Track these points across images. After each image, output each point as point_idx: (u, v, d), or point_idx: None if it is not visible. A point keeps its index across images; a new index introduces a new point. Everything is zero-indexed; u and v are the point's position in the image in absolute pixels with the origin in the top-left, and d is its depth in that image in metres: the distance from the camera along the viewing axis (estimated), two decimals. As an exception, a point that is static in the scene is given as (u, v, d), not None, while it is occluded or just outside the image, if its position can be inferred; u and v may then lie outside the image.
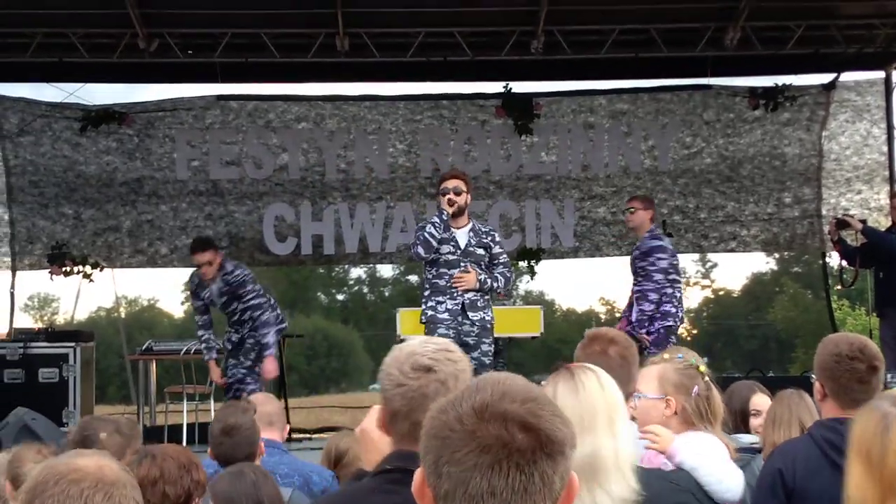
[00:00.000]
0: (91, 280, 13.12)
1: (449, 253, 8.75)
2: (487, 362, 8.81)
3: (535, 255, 13.31)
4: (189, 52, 12.54)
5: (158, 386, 12.35)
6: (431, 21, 12.24)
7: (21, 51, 12.26)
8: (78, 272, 13.01)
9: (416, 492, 1.94)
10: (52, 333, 12.16)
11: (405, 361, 2.92)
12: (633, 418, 3.87)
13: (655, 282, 9.90)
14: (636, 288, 10.07)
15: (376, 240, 13.23)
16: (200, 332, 10.55)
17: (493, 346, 9.00)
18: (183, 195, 13.20)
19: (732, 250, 13.79)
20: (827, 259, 14.46)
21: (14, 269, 13.13)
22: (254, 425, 5.10)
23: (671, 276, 10.04)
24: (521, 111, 13.15)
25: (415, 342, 3.01)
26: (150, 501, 3.66)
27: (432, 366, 2.89)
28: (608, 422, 3.12)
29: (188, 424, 11.04)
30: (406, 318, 10.65)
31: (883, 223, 12.20)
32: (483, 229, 9.00)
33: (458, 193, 8.72)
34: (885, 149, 13.51)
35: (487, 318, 8.83)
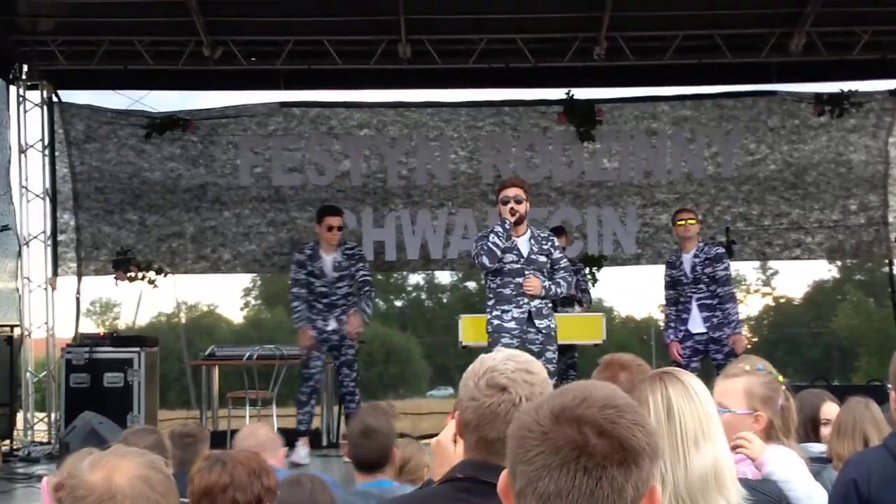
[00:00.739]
0: (155, 286, 13.22)
1: (512, 262, 8.75)
2: (552, 369, 8.79)
3: (597, 261, 13.25)
4: (252, 59, 12.63)
5: (220, 391, 12.43)
6: (493, 28, 12.24)
7: (87, 58, 12.41)
8: (142, 278, 13.12)
9: (501, 490, 1.95)
10: (118, 339, 12.28)
11: (483, 376, 2.91)
12: None
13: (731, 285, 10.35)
14: (722, 291, 10.32)
15: (437, 246, 13.24)
16: (295, 304, 10.69)
17: (556, 353, 8.99)
18: (246, 201, 13.27)
19: (797, 258, 13.64)
20: (893, 266, 14.24)
21: (80, 275, 13.25)
22: (391, 429, 5.09)
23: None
24: (583, 118, 13.10)
25: (499, 356, 2.98)
26: None
27: (507, 386, 2.87)
28: (719, 429, 3.09)
29: (251, 430, 11.06)
30: (468, 325, 10.61)
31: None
32: (542, 235, 9.01)
33: (518, 202, 8.71)
34: (952, 155, 13.33)
35: (552, 325, 8.86)
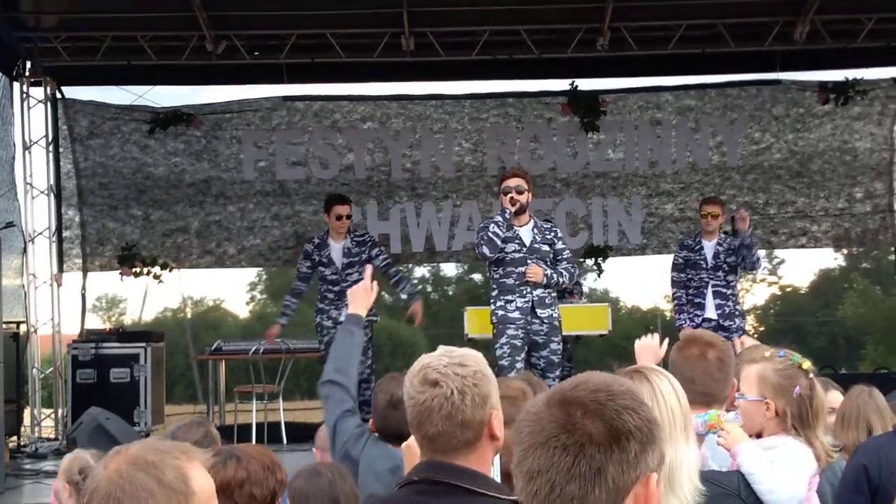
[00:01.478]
0: (160, 281, 13.22)
1: (515, 251, 8.76)
2: (556, 360, 8.81)
3: (602, 252, 13.23)
4: (255, 53, 12.62)
5: (226, 385, 12.44)
6: (497, 19, 12.22)
7: (91, 54, 12.41)
8: (148, 273, 13.12)
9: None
10: (124, 334, 12.30)
11: (417, 374, 2.99)
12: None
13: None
14: (731, 279, 10.55)
15: (443, 239, 13.23)
16: (287, 298, 10.88)
17: (561, 344, 8.98)
18: (250, 196, 13.26)
19: (803, 246, 13.61)
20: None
21: (85, 271, 13.26)
22: None
23: None
24: (587, 108, 13.07)
25: (435, 354, 3.05)
26: (236, 503, 3.66)
27: (439, 380, 2.94)
28: (684, 430, 3.07)
29: (257, 424, 11.09)
30: (473, 317, 10.61)
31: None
32: (545, 225, 9.05)
33: (520, 192, 8.73)
34: (957, 142, 13.30)
35: (555, 315, 8.87)
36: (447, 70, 13.07)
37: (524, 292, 8.72)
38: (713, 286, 10.54)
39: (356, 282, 10.48)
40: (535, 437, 1.88)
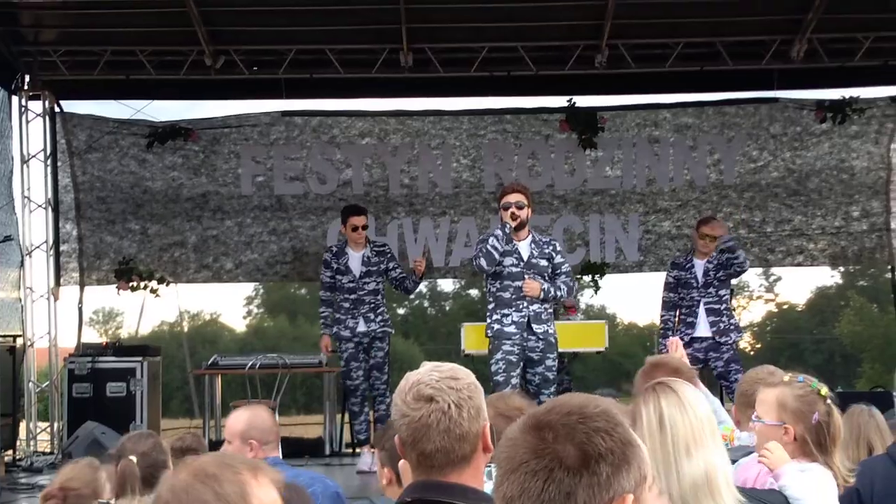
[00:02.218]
0: (157, 295, 13.22)
1: (512, 265, 8.77)
2: (551, 377, 8.82)
3: (599, 269, 13.23)
4: (254, 68, 12.63)
5: (222, 400, 12.42)
6: (495, 36, 12.24)
7: (89, 68, 12.41)
8: (145, 287, 13.11)
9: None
10: (120, 348, 12.29)
11: (409, 391, 2.94)
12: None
13: None
14: (723, 293, 10.58)
15: (440, 255, 13.23)
16: (321, 309, 10.89)
17: (556, 360, 8.98)
18: (248, 210, 13.27)
19: (799, 264, 13.61)
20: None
21: (82, 285, 13.25)
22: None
23: None
24: (585, 125, 13.09)
25: (423, 370, 3.01)
26: None
27: (433, 395, 2.90)
28: (712, 436, 3.08)
29: (254, 439, 11.05)
30: (470, 333, 10.64)
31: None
32: (544, 240, 9.08)
33: (520, 207, 8.76)
34: (955, 161, 13.32)
35: (551, 331, 8.88)
36: (445, 86, 13.08)
37: (520, 307, 8.73)
38: (705, 303, 10.52)
39: (374, 291, 10.63)
40: (510, 463, 1.88)
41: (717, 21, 12.01)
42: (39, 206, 12.86)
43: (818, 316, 38.35)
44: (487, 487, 2.91)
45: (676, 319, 10.71)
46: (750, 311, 37.61)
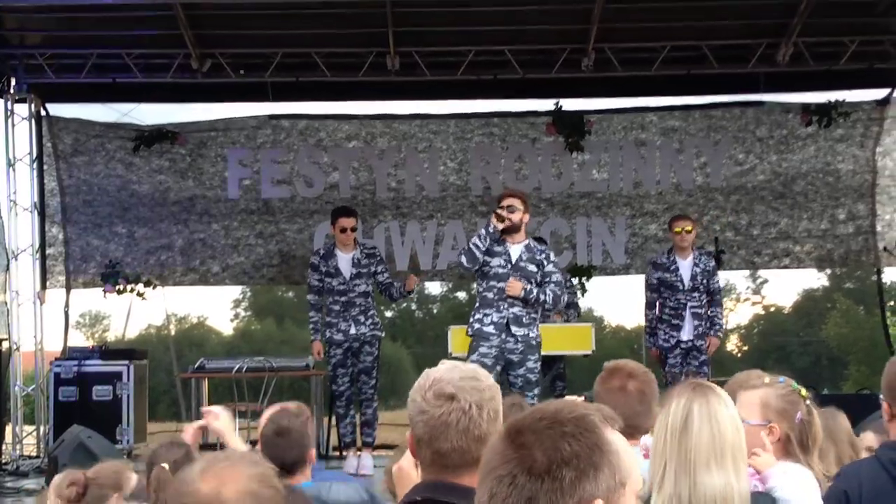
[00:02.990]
0: (144, 298, 13.20)
1: (500, 266, 8.79)
2: (534, 379, 8.83)
3: (586, 272, 13.26)
4: (241, 71, 12.61)
5: (209, 403, 12.39)
6: (482, 39, 12.24)
7: (75, 71, 12.39)
8: (131, 290, 13.10)
9: None
10: (106, 352, 12.27)
11: (429, 388, 2.90)
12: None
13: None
14: (716, 299, 10.75)
15: (427, 258, 13.25)
16: (310, 314, 10.81)
17: (539, 363, 8.97)
18: (234, 214, 13.27)
19: (786, 267, 13.66)
20: (882, 275, 14.28)
21: (68, 288, 13.23)
22: (306, 430, 5.01)
23: None
24: (572, 128, 13.13)
25: (443, 368, 2.98)
26: None
27: (455, 394, 2.87)
28: (735, 459, 3.07)
29: (240, 442, 11.04)
30: (457, 336, 10.63)
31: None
32: (539, 247, 9.08)
33: (512, 211, 8.75)
34: (940, 164, 13.37)
35: (532, 335, 8.86)
36: (432, 89, 13.10)
37: (501, 308, 8.75)
38: (691, 307, 10.59)
39: (364, 293, 10.57)
40: (484, 469, 1.89)
41: (704, 25, 12.02)
42: (25, 209, 12.82)
43: (805, 318, 38.42)
44: None
45: (658, 322, 10.77)
46: (737, 313, 37.67)
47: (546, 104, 13.26)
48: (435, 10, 11.82)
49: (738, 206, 13.35)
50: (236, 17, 11.87)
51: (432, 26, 12.12)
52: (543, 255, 8.96)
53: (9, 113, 12.71)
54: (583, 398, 4.75)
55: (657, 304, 10.81)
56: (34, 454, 12.25)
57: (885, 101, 13.31)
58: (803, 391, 3.94)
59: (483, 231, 8.80)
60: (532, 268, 8.85)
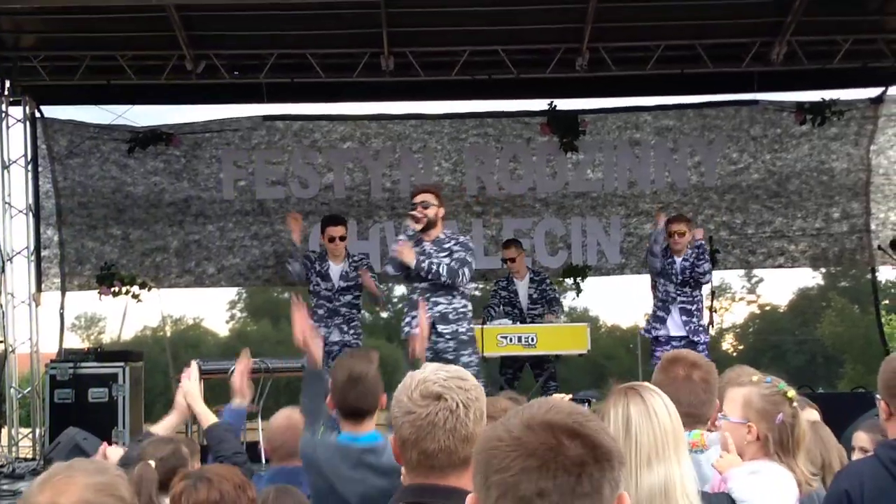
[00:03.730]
0: (139, 300, 13.20)
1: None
2: (474, 374, 8.68)
3: (581, 272, 13.27)
4: (235, 72, 12.62)
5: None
6: (476, 39, 12.25)
7: (70, 73, 12.38)
8: (126, 292, 13.09)
9: None
10: (102, 353, 12.23)
11: (415, 389, 2.90)
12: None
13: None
14: (696, 294, 10.76)
15: (422, 258, 13.23)
16: (291, 262, 11.08)
17: (474, 356, 8.86)
18: (229, 215, 13.27)
19: (780, 266, 13.67)
20: (876, 274, 14.30)
21: (63, 290, 13.22)
22: (379, 376, 4.93)
23: None
24: (566, 128, 13.14)
25: (428, 369, 2.98)
26: None
27: (442, 393, 2.87)
28: (675, 448, 3.09)
29: (236, 443, 11.03)
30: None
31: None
32: (451, 236, 8.92)
33: (426, 207, 8.67)
34: (934, 162, 13.39)
35: (462, 330, 8.73)
36: (426, 90, 13.09)
37: (426, 308, 8.69)
38: (679, 302, 10.63)
39: (349, 304, 10.49)
40: (529, 462, 1.86)
41: (698, 24, 12.04)
42: (20, 211, 12.81)
43: (800, 317, 38.47)
44: None
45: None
46: (732, 312, 37.70)
47: (540, 104, 13.29)
48: (429, 10, 11.83)
49: (732, 206, 13.36)
50: (230, 18, 11.87)
51: (426, 27, 12.12)
52: (452, 242, 8.78)
53: (3, 115, 12.69)
54: (569, 397, 4.77)
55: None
56: (30, 456, 12.24)
57: (878, 100, 13.33)
58: (790, 392, 3.94)
59: (402, 237, 8.76)
60: (445, 259, 8.71)
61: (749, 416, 3.89)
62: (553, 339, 10.75)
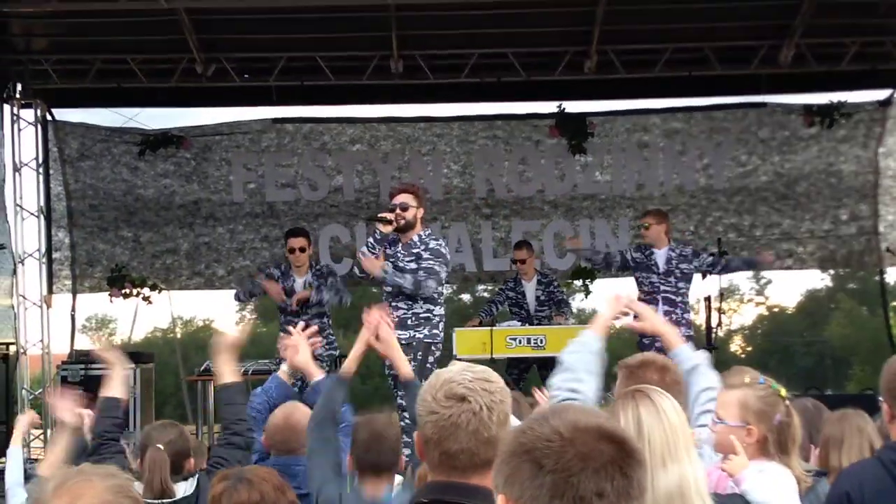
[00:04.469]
0: (150, 302, 13.25)
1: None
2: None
3: (589, 274, 13.28)
4: (245, 75, 12.66)
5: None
6: (485, 42, 12.28)
7: (81, 76, 12.44)
8: (137, 294, 13.14)
9: None
10: (113, 355, 12.26)
11: (440, 389, 2.87)
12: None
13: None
14: (682, 286, 10.68)
15: (431, 260, 13.25)
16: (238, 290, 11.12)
17: (427, 361, 8.56)
18: (239, 217, 13.31)
19: (789, 268, 13.69)
20: (884, 276, 14.31)
21: (75, 292, 13.28)
22: (400, 438, 4.97)
23: None
24: (574, 131, 13.15)
25: (454, 369, 2.95)
26: None
27: (466, 395, 2.84)
28: (686, 447, 3.11)
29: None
30: (462, 338, 10.64)
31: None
32: (425, 239, 8.67)
33: (404, 209, 8.55)
34: (942, 165, 13.40)
35: (419, 336, 8.52)
36: (436, 93, 13.13)
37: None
38: (664, 292, 10.57)
39: (318, 315, 10.30)
40: (586, 463, 1.93)
41: (706, 27, 12.05)
42: (32, 214, 12.88)
43: (808, 319, 38.40)
44: None
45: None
46: (740, 314, 37.69)
47: (549, 106, 13.31)
48: (438, 13, 11.84)
49: (740, 208, 13.37)
50: (240, 21, 11.91)
51: (436, 30, 12.15)
52: (422, 247, 8.61)
53: (15, 118, 12.77)
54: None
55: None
56: (41, 457, 12.27)
57: (887, 102, 13.34)
58: (783, 392, 3.97)
59: (370, 240, 8.63)
60: (412, 266, 8.58)
61: (747, 418, 3.91)
62: (562, 340, 10.60)
